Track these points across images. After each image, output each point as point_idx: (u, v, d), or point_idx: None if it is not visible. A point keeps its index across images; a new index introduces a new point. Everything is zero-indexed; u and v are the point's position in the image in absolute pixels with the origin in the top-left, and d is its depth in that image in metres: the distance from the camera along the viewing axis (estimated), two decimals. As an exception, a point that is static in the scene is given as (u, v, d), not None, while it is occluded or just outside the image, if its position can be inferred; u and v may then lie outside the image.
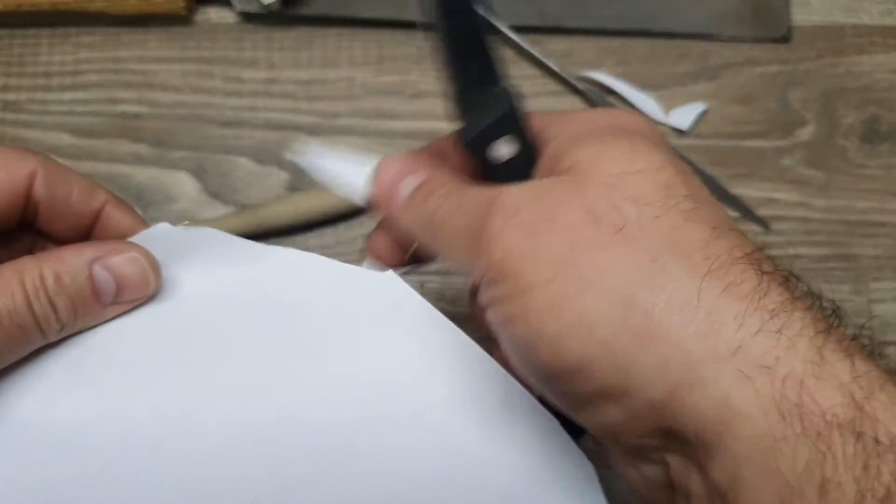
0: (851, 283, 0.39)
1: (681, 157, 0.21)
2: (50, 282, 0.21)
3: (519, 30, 0.41)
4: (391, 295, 0.25)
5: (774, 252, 0.39)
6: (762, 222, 0.40)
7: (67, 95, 0.42)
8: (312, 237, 0.39)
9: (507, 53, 0.42)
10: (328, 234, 0.39)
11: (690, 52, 0.42)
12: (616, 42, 0.42)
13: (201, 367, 0.24)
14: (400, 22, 0.42)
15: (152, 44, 0.42)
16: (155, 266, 0.23)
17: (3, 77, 0.42)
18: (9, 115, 0.41)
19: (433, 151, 0.25)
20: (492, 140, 0.22)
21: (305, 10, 0.42)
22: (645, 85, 0.42)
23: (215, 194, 0.40)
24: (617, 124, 0.22)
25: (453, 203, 0.21)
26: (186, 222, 0.38)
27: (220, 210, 0.40)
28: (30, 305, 0.21)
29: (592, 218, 0.18)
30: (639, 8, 0.42)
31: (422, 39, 0.42)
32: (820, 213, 0.40)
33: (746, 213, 0.40)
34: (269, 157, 0.41)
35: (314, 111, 0.41)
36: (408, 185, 0.22)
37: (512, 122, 0.22)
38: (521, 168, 0.22)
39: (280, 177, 0.40)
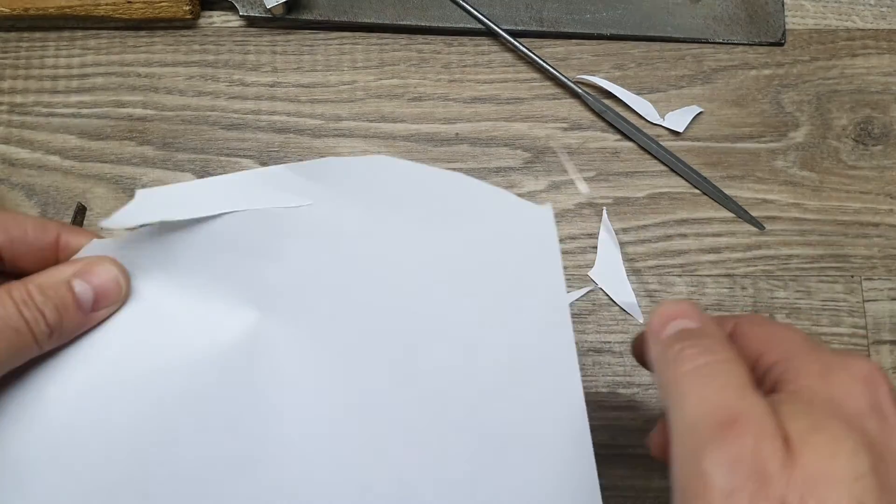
0: (845, 282, 0.40)
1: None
2: (36, 294, 0.24)
3: (517, 34, 0.42)
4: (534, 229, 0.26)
5: (769, 252, 0.40)
6: (757, 223, 0.40)
7: (74, 98, 0.42)
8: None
9: (506, 57, 0.43)
10: (330, 235, 0.40)
11: (686, 56, 0.43)
12: (613, 46, 0.43)
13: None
14: (400, 26, 0.43)
15: (158, 47, 0.43)
16: (126, 275, 0.26)
17: (10, 80, 0.42)
18: (16, 118, 0.42)
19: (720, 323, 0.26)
20: None
21: (308, 15, 0.42)
22: (641, 88, 0.42)
23: (219, 195, 0.41)
24: (843, 392, 0.22)
25: (693, 382, 0.22)
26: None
27: (224, 211, 0.40)
28: (21, 313, 0.24)
29: None
30: (635, 13, 0.43)
31: (422, 44, 0.43)
32: (813, 214, 0.41)
33: (741, 213, 0.40)
34: (272, 159, 0.41)
35: (316, 114, 0.42)
36: (677, 325, 0.24)
37: None
38: None
39: (283, 178, 0.41)
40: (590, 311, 0.39)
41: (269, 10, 0.41)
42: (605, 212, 0.40)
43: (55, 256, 0.26)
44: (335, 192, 0.27)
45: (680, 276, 0.40)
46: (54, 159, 0.41)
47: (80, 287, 0.25)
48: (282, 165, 0.27)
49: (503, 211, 0.26)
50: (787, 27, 0.43)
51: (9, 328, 0.24)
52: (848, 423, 0.20)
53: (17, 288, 0.24)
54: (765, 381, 0.23)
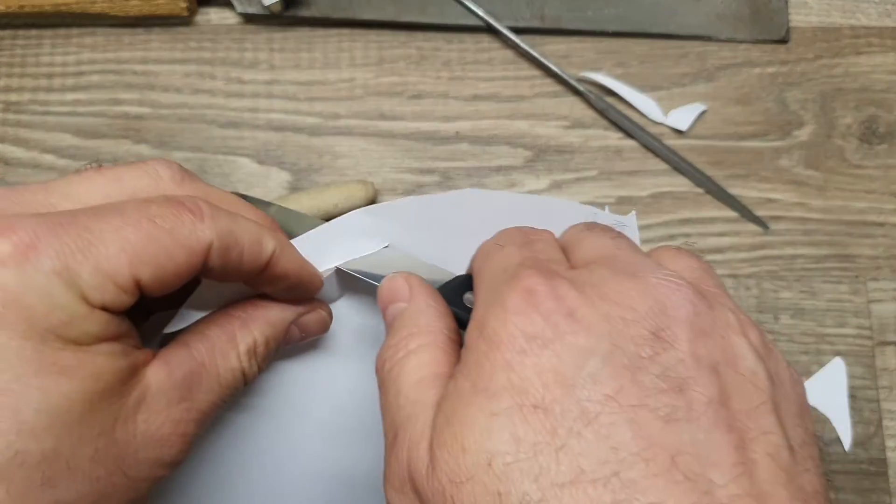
0: (849, 283, 0.39)
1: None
2: (261, 349, 0.23)
3: (519, 31, 0.42)
4: None
5: (773, 252, 0.39)
6: (761, 223, 0.40)
7: (69, 96, 0.42)
8: (313, 237, 0.39)
9: (507, 54, 0.42)
10: (329, 235, 0.40)
11: (689, 54, 0.42)
12: (615, 43, 0.43)
13: None
14: (400, 23, 0.42)
15: (154, 45, 0.42)
16: (331, 316, 0.26)
17: (6, 78, 0.42)
18: (11, 116, 0.41)
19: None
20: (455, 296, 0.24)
21: (306, 12, 0.42)
22: (644, 86, 0.42)
23: (216, 195, 0.40)
24: (495, 339, 0.18)
25: (386, 387, 0.21)
26: None
27: (221, 210, 0.40)
28: (244, 372, 0.23)
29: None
30: (638, 10, 0.43)
31: (421, 41, 0.43)
32: (818, 214, 0.40)
33: (745, 213, 0.40)
34: (269, 157, 0.41)
35: (314, 112, 0.41)
36: (390, 314, 0.23)
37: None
38: None
39: (281, 177, 0.41)
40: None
41: (267, 6, 0.41)
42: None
43: (259, 277, 0.23)
44: (414, 229, 0.27)
45: (683, 276, 0.39)
46: (50, 158, 0.41)
47: (293, 330, 0.25)
48: (357, 211, 0.27)
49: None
50: (791, 25, 0.43)
51: (232, 388, 0.22)
52: (486, 391, 0.17)
53: (242, 337, 0.23)
54: None
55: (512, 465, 0.16)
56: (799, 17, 0.43)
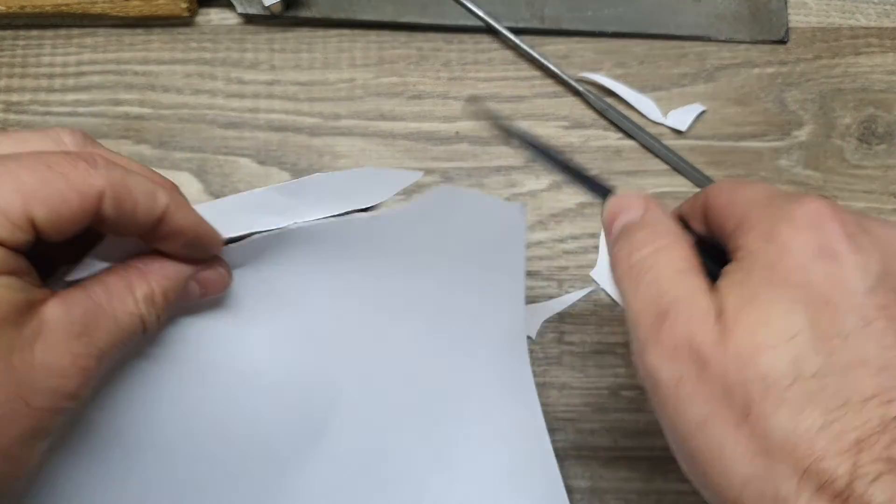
0: (848, 282, 0.40)
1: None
2: (159, 299, 0.24)
3: (518, 32, 0.42)
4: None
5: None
6: (760, 222, 0.40)
7: (70, 96, 0.42)
8: (313, 237, 0.40)
9: (507, 55, 0.43)
10: (329, 235, 0.40)
11: (688, 54, 0.42)
12: (614, 44, 0.43)
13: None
14: (400, 24, 0.42)
15: (155, 45, 0.42)
16: (230, 275, 0.27)
17: (6, 78, 0.42)
18: (12, 116, 0.42)
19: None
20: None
21: (306, 13, 0.42)
22: (643, 86, 0.42)
23: (217, 195, 0.40)
24: (786, 248, 0.21)
25: (630, 280, 0.23)
26: None
27: (221, 210, 0.40)
28: (143, 318, 0.24)
29: (724, 394, 0.20)
30: (637, 10, 0.43)
31: (421, 41, 0.43)
32: (817, 214, 0.40)
33: (744, 213, 0.40)
34: (270, 157, 0.41)
35: (315, 112, 0.42)
36: (621, 221, 0.25)
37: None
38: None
39: (281, 177, 0.41)
40: (591, 311, 0.39)
41: (267, 7, 0.41)
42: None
43: (154, 232, 0.24)
44: (319, 206, 0.27)
45: (682, 276, 0.39)
46: (50, 158, 0.41)
47: (192, 286, 0.26)
48: (268, 187, 0.27)
49: (478, 210, 0.28)
50: (790, 25, 0.43)
51: (127, 327, 0.23)
52: (785, 283, 0.20)
53: (139, 285, 0.24)
54: (731, 252, 0.23)
55: (809, 342, 0.19)
56: (798, 18, 0.43)
